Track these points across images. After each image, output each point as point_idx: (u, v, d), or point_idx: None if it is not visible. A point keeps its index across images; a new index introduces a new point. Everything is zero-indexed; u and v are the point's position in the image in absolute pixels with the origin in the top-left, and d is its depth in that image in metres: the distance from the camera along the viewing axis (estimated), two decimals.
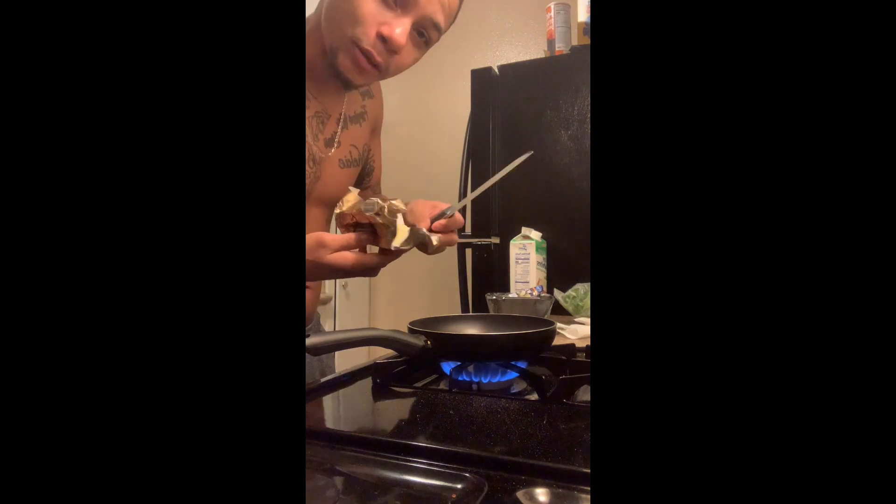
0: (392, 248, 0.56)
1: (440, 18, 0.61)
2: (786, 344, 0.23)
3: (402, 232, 0.57)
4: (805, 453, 0.23)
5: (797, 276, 0.23)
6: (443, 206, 0.63)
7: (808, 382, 0.23)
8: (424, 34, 0.62)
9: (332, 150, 0.73)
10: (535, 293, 1.15)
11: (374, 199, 0.56)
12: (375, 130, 0.86)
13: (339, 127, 0.74)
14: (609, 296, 0.25)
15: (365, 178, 0.86)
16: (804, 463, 0.22)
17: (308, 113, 0.68)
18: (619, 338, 0.25)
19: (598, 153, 0.26)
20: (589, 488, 0.33)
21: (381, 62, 0.60)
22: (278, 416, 0.26)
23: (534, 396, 0.56)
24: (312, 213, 0.73)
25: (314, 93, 0.69)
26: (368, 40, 0.58)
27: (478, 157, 1.47)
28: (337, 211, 0.59)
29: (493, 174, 1.43)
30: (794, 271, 0.24)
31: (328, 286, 2.01)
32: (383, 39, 0.58)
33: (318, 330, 0.88)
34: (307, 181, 0.70)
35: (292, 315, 0.27)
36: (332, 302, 2.04)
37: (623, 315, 0.25)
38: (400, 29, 0.58)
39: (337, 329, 0.86)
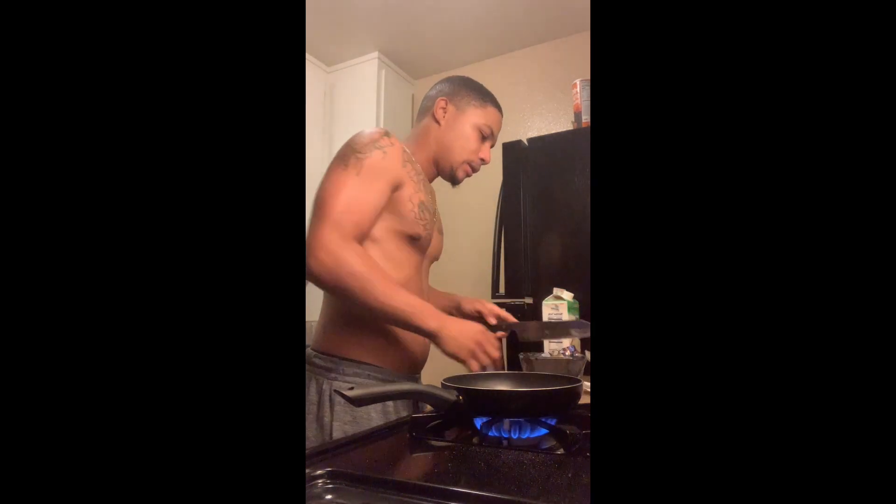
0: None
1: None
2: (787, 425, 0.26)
3: None
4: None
5: (803, 346, 0.26)
6: (498, 310, 1.11)
7: (807, 435, 0.26)
8: None
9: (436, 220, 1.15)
10: (568, 353, 1.17)
11: None
12: None
13: (435, 204, 1.17)
14: (607, 355, 0.30)
15: None
16: None
17: (423, 193, 1.09)
18: (615, 396, 0.29)
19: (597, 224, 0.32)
20: None
21: (478, 171, 1.15)
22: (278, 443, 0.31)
23: (561, 451, 0.58)
24: (426, 264, 1.14)
25: (423, 182, 1.10)
26: (476, 162, 1.13)
27: (509, 224, 1.54)
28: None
29: (523, 241, 1.49)
30: (801, 342, 0.26)
31: None
32: (482, 160, 1.13)
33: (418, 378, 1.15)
34: (430, 241, 1.10)
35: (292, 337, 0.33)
36: None
37: (620, 379, 0.29)
38: (488, 152, 1.13)
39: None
